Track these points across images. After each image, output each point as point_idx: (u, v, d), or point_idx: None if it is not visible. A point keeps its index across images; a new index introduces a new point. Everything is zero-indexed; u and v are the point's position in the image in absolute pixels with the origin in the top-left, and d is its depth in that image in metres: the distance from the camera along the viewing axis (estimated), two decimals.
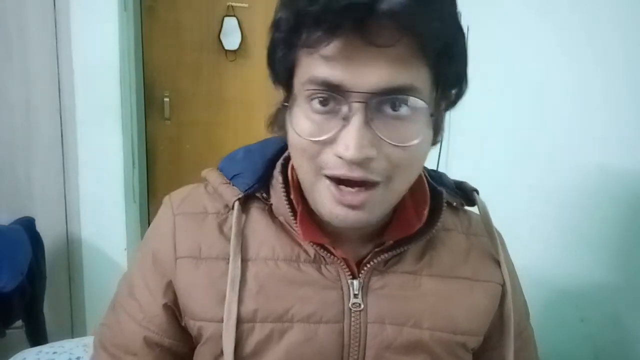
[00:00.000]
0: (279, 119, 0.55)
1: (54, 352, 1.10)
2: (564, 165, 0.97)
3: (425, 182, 0.60)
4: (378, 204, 0.50)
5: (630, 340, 0.83)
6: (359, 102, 0.44)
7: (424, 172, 0.61)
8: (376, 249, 0.56)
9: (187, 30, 2.56)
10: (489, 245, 0.64)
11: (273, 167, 0.60)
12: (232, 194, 0.58)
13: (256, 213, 0.58)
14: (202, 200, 0.60)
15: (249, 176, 0.58)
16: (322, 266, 0.56)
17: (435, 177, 0.64)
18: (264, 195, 0.58)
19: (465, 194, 0.66)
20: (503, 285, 0.62)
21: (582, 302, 0.92)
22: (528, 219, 1.06)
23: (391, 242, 0.56)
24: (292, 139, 0.50)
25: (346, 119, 0.45)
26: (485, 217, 0.65)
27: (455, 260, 0.61)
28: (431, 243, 0.60)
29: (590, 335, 0.90)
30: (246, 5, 2.59)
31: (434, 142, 0.54)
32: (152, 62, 2.58)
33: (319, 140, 0.47)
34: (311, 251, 0.56)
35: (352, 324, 0.54)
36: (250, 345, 0.54)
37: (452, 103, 0.54)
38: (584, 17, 0.91)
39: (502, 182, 1.15)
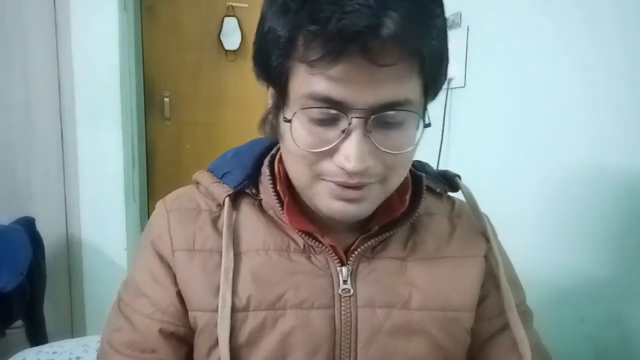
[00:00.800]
0: (270, 120, 0.56)
1: (54, 352, 1.10)
2: (566, 164, 0.97)
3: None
4: (374, 198, 0.53)
5: (630, 340, 0.83)
6: (359, 117, 0.46)
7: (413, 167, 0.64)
8: (362, 236, 0.58)
9: (187, 30, 2.57)
10: (474, 222, 0.66)
11: (261, 164, 0.62)
12: (222, 191, 0.60)
13: (247, 208, 0.61)
14: (195, 198, 0.62)
15: (238, 173, 0.61)
16: (312, 255, 0.58)
17: (419, 167, 0.67)
18: (254, 191, 0.61)
19: (449, 180, 0.68)
20: (489, 251, 0.64)
21: (582, 302, 0.92)
22: (528, 219, 1.06)
23: (377, 228, 0.58)
24: (291, 147, 0.51)
25: (346, 132, 0.47)
26: (469, 198, 0.67)
27: (439, 242, 0.62)
28: (415, 229, 0.62)
29: (590, 335, 0.90)
30: (246, 5, 2.59)
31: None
32: (152, 62, 2.58)
33: (318, 152, 0.49)
34: (300, 241, 0.58)
35: (343, 309, 0.56)
36: (244, 334, 0.55)
37: (433, 99, 0.57)
38: (586, 13, 0.91)
39: (502, 183, 1.15)
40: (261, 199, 0.60)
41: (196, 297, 0.56)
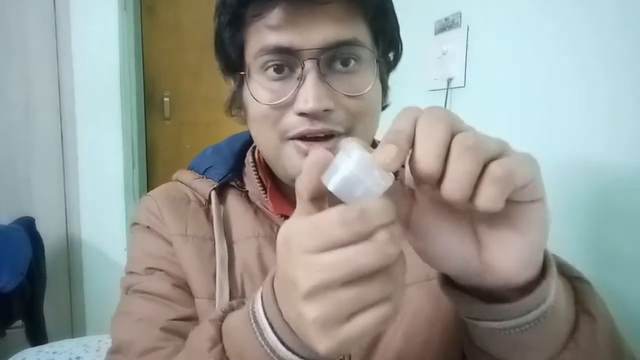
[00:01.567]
0: (236, 101, 0.58)
1: (54, 352, 1.10)
2: (565, 164, 0.97)
3: None
4: None
5: (630, 339, 0.83)
6: (311, 59, 0.48)
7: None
8: None
9: (187, 30, 2.56)
10: None
11: (243, 158, 0.63)
12: (207, 185, 0.61)
13: (234, 200, 0.61)
14: (182, 189, 0.63)
15: (220, 167, 0.62)
16: None
17: None
18: (238, 183, 0.62)
19: None
20: None
21: None
22: None
23: None
24: (253, 110, 0.53)
25: (301, 79, 0.49)
26: None
27: None
28: None
29: None
30: None
31: (384, 102, 0.59)
32: (152, 62, 2.58)
33: (279, 104, 0.50)
34: None
35: None
36: None
37: (392, 66, 0.59)
38: (586, 13, 0.91)
39: None
40: (247, 191, 0.61)
41: (194, 282, 0.56)
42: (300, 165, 0.50)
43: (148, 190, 0.66)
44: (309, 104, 0.48)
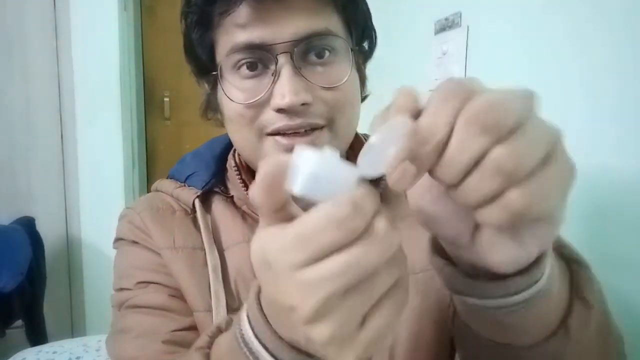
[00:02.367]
0: (211, 104, 0.56)
1: (54, 352, 1.10)
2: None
3: (364, 140, 0.61)
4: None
5: (630, 339, 0.83)
6: (284, 52, 0.47)
7: (364, 137, 0.62)
8: None
9: None
10: None
11: (225, 162, 0.61)
12: (190, 193, 0.59)
13: (220, 206, 0.59)
14: (165, 199, 0.60)
15: (203, 174, 0.60)
16: None
17: None
18: (222, 188, 0.59)
19: None
20: None
21: None
22: None
23: None
24: (228, 110, 0.51)
25: (276, 74, 0.47)
26: None
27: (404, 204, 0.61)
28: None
29: None
30: None
31: (363, 92, 0.57)
32: (152, 62, 2.58)
33: (255, 102, 0.49)
34: None
35: None
36: None
37: (368, 56, 0.58)
38: (588, 12, 0.91)
39: None
40: (232, 196, 0.59)
41: (189, 296, 0.54)
42: None
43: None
44: (286, 99, 0.46)
